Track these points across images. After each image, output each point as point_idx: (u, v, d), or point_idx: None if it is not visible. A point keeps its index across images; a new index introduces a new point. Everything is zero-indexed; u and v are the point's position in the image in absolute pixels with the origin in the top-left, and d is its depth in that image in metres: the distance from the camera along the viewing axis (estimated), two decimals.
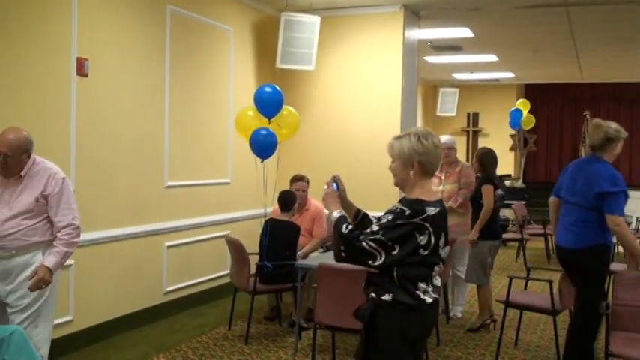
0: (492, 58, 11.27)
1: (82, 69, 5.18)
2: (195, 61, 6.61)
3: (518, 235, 9.74)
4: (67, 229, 3.91)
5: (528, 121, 13.42)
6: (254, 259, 5.84)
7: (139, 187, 5.86)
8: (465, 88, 14.76)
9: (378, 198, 7.46)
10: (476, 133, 15.46)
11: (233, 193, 7.24)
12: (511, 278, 5.38)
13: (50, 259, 3.79)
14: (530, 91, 15.23)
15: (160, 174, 6.15)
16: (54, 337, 4.87)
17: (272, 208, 6.45)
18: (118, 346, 5.36)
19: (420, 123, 12.98)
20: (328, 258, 5.24)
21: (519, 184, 14.09)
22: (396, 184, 2.99)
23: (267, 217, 6.07)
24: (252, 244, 5.99)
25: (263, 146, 6.06)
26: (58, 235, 3.89)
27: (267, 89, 6.13)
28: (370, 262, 2.78)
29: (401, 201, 2.89)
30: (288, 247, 5.81)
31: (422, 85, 13.85)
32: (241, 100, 7.08)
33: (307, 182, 6.45)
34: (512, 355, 5.39)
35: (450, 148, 6.41)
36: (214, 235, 6.89)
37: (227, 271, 6.89)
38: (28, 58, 4.72)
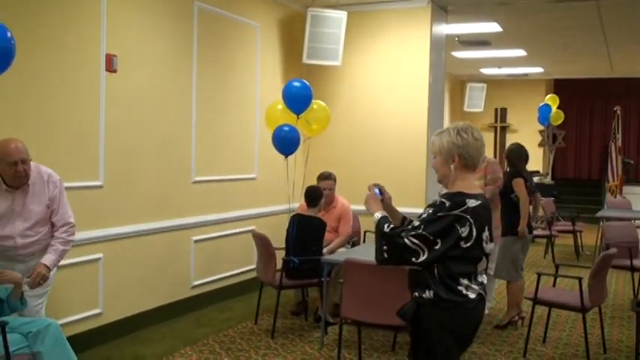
0: (521, 52, 11.15)
1: (110, 65, 5.23)
2: (222, 56, 6.64)
3: (546, 232, 9.65)
4: (65, 227, 4.02)
5: (557, 116, 13.25)
6: (280, 254, 5.86)
7: (166, 182, 5.91)
8: (492, 83, 14.63)
9: (406, 193, 7.46)
10: (504, 129, 15.33)
11: (259, 188, 7.27)
12: (539, 275, 5.33)
13: (48, 258, 3.90)
14: (560, 86, 15.04)
15: (187, 169, 6.19)
16: (84, 329, 4.98)
17: (298, 204, 6.46)
18: (146, 339, 5.42)
19: (447, 119, 12.90)
20: (354, 254, 5.24)
21: (548, 180, 13.95)
22: (439, 180, 3.01)
23: (294, 213, 6.08)
24: (278, 239, 6.01)
25: (286, 142, 6.07)
26: (56, 233, 4.00)
27: (296, 84, 6.14)
28: (414, 259, 2.77)
29: (442, 195, 2.90)
30: (315, 242, 5.81)
31: (449, 80, 13.75)
32: (268, 95, 7.10)
33: (334, 180, 6.44)
34: (540, 353, 5.33)
35: None
36: (241, 230, 6.92)
37: (253, 266, 6.92)
38: (59, 55, 4.78)
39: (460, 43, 10.10)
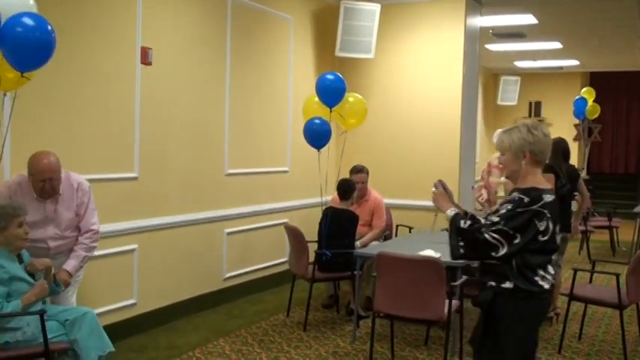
0: (556, 45, 10.97)
1: (146, 58, 5.28)
2: (255, 49, 6.66)
3: (582, 228, 9.49)
4: (89, 233, 4.10)
5: (593, 110, 12.98)
6: (313, 247, 5.86)
7: (199, 175, 5.95)
8: (526, 76, 14.42)
9: None
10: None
11: (292, 181, 7.28)
12: (575, 271, 5.25)
13: (70, 264, 4.00)
14: (596, 80, 14.78)
15: (220, 162, 6.22)
16: (119, 319, 5.05)
17: (331, 197, 6.45)
18: (179, 330, 5.47)
19: (480, 112, 12.77)
20: (387, 247, 5.22)
21: (583, 175, 13.71)
22: (508, 176, 3.09)
23: (327, 206, 6.08)
24: (310, 232, 6.01)
25: (316, 135, 6.05)
26: (80, 239, 4.08)
27: (330, 77, 6.11)
28: (493, 253, 2.86)
29: (515, 191, 2.97)
30: (347, 235, 5.80)
31: (482, 73, 13.59)
32: (301, 88, 7.11)
33: (367, 173, 6.41)
34: (575, 349, 5.26)
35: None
36: (273, 222, 6.94)
37: (285, 259, 6.95)
38: (95, 48, 4.84)
39: (494, 35, 9.97)
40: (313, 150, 6.24)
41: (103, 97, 4.93)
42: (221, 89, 6.20)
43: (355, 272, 5.49)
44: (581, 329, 5.56)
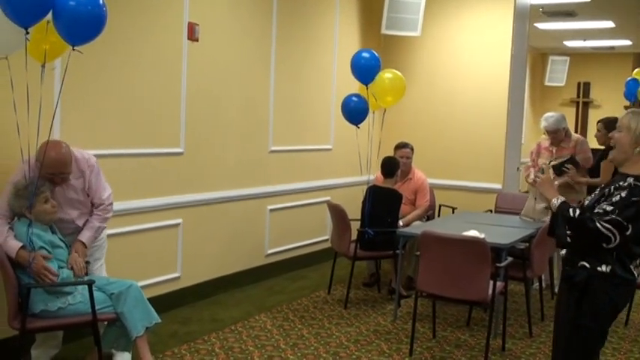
0: (608, 24, 10.65)
1: (192, 34, 5.29)
2: (300, 26, 6.63)
3: None
4: (102, 206, 4.06)
5: None
6: (355, 226, 5.85)
7: (244, 151, 5.98)
8: (576, 56, 14.07)
9: (483, 168, 7.32)
10: (586, 105, 14.76)
11: (335, 159, 7.26)
12: None
13: (85, 235, 3.97)
14: None
15: (264, 138, 6.24)
16: (163, 292, 5.13)
17: (375, 176, 6.42)
18: (222, 303, 5.54)
19: (526, 92, 12.53)
20: (431, 227, 5.18)
21: None
22: (614, 158, 2.99)
23: (370, 184, 6.05)
24: (353, 210, 5.99)
25: (353, 112, 5.96)
26: (95, 211, 4.05)
27: (365, 54, 5.97)
28: (604, 244, 2.79)
29: (627, 177, 2.87)
30: (390, 214, 5.77)
31: (529, 53, 13.30)
32: (346, 66, 7.01)
33: (412, 149, 6.36)
34: (622, 335, 5.16)
35: (555, 132, 6.08)
36: (316, 200, 6.95)
37: (326, 237, 6.96)
38: (143, 24, 4.87)
39: (544, 13, 9.73)
40: (356, 128, 6.19)
41: (150, 73, 4.97)
42: (266, 66, 6.20)
43: (397, 251, 5.47)
44: (627, 315, 5.44)
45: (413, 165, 6.43)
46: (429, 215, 6.54)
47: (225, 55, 5.69)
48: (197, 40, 5.34)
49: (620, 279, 2.85)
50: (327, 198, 6.85)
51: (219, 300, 5.62)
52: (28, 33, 3.16)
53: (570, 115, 14.28)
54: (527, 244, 5.07)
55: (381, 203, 5.76)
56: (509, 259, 4.67)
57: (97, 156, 4.24)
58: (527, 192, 7.33)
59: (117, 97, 4.70)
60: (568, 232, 2.85)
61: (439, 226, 5.21)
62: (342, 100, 6.08)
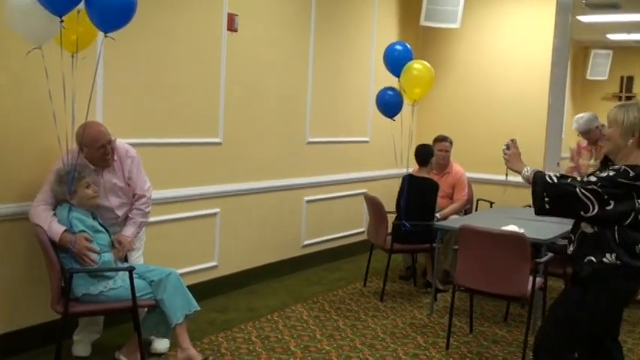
0: None
1: (232, 24, 5.31)
2: (339, 17, 6.61)
3: None
4: (143, 199, 4.10)
5: None
6: (391, 218, 5.83)
7: (281, 142, 6.00)
8: (619, 50, 13.74)
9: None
10: (629, 99, 14.43)
11: (372, 151, 7.24)
12: None
13: (129, 231, 4.02)
14: None
15: (301, 130, 6.25)
16: (200, 280, 5.18)
17: (412, 169, 6.38)
18: (259, 293, 5.57)
19: (567, 86, 12.31)
20: (469, 220, 5.13)
21: None
22: (608, 151, 3.05)
23: (407, 173, 5.97)
24: (389, 202, 5.97)
25: (388, 105, 5.89)
26: (136, 204, 4.09)
27: (398, 47, 5.88)
28: (582, 212, 2.84)
29: (624, 164, 2.92)
30: (427, 206, 5.72)
31: (571, 46, 13.06)
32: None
33: (450, 143, 6.31)
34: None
35: (587, 132, 5.99)
36: (352, 192, 6.94)
37: (362, 229, 6.96)
38: (184, 14, 4.90)
39: (587, 6, 9.52)
40: (391, 120, 6.15)
41: (190, 63, 5.01)
42: (304, 57, 6.20)
43: (434, 245, 5.43)
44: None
45: (451, 158, 6.38)
46: (466, 209, 6.48)
47: (264, 46, 5.70)
48: (236, 31, 5.36)
49: (627, 269, 2.86)
50: (364, 190, 6.83)
51: (255, 289, 5.66)
52: (62, 21, 3.19)
53: None
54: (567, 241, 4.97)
55: (418, 194, 5.70)
56: (549, 254, 4.60)
57: (137, 145, 4.31)
58: None
59: (157, 87, 4.75)
60: (546, 199, 2.87)
61: (477, 221, 5.15)
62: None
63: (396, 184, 6.07)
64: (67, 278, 3.59)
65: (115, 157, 4.01)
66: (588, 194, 2.82)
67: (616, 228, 2.86)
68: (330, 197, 6.71)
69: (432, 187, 5.74)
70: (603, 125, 6.04)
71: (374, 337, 4.69)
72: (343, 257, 6.89)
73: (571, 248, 3.07)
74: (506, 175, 3.27)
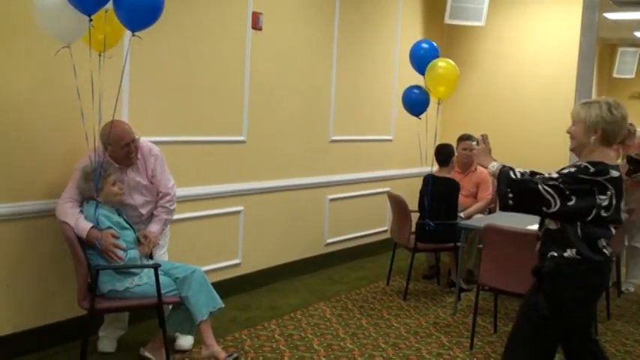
0: None
1: (256, 23, 5.33)
2: (363, 16, 6.59)
3: None
4: (168, 197, 4.13)
5: None
6: (415, 217, 5.80)
7: (305, 140, 6.00)
8: None
9: (548, 161, 7.11)
10: None
11: (396, 150, 7.22)
12: None
13: (154, 228, 4.05)
14: None
15: (325, 128, 6.25)
16: (224, 277, 5.21)
17: (436, 168, 6.34)
18: (281, 291, 5.59)
19: (594, 84, 12.16)
20: (493, 220, 5.09)
21: None
22: (572, 148, 3.06)
23: (427, 173, 5.93)
24: (413, 201, 5.94)
25: (415, 103, 5.84)
26: (160, 202, 4.12)
27: (424, 45, 5.83)
28: (544, 208, 2.86)
29: (586, 161, 2.94)
30: (448, 204, 5.68)
31: (597, 44, 12.90)
32: (407, 56, 6.97)
33: (475, 141, 6.25)
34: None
35: None
36: (375, 190, 6.93)
37: (385, 228, 6.94)
38: (209, 12, 4.92)
39: (614, 3, 9.39)
40: (417, 119, 6.11)
41: (215, 62, 5.03)
42: (328, 55, 6.19)
43: (458, 244, 5.40)
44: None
45: None
46: (490, 208, 6.43)
47: (288, 45, 5.71)
48: (261, 29, 5.37)
49: (589, 264, 2.88)
50: (387, 189, 6.81)
51: (278, 288, 5.67)
52: (91, 20, 3.23)
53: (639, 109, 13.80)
54: None
55: (439, 193, 5.67)
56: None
57: (162, 143, 4.34)
58: None
59: (182, 85, 4.78)
60: (510, 195, 2.91)
61: (502, 220, 5.09)
62: (403, 91, 6.01)
63: (419, 183, 6.04)
64: (93, 275, 3.63)
65: (139, 156, 4.04)
66: (550, 190, 2.84)
67: (579, 224, 2.88)
68: (353, 196, 6.70)
69: (453, 187, 5.70)
70: (631, 124, 5.97)
71: (397, 336, 4.67)
72: (366, 256, 6.88)
73: (538, 246, 3.10)
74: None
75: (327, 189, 6.35)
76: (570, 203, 2.83)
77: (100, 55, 3.43)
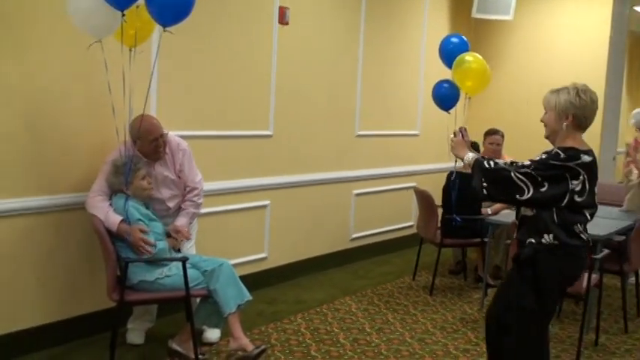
0: None
1: (283, 18, 5.33)
2: (389, 10, 6.56)
3: None
4: (195, 191, 4.15)
5: None
6: (441, 212, 5.77)
7: (331, 135, 6.00)
8: None
9: None
10: None
11: (422, 144, 7.19)
12: None
13: (182, 221, 4.07)
14: None
15: (351, 123, 6.24)
16: (250, 271, 5.23)
17: (460, 164, 6.30)
18: (306, 286, 5.60)
19: (624, 78, 11.98)
20: None
21: None
22: (547, 136, 3.10)
23: (452, 170, 5.89)
24: (439, 196, 5.91)
25: (445, 98, 5.78)
26: (188, 196, 4.14)
27: (454, 39, 5.75)
28: (517, 195, 2.89)
29: (557, 147, 2.99)
30: (474, 200, 5.64)
31: (627, 37, 12.71)
32: (434, 51, 6.90)
33: (502, 136, 6.20)
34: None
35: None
36: (401, 185, 6.91)
37: (411, 223, 6.92)
38: (235, 7, 4.93)
39: None
40: (444, 114, 6.07)
41: (242, 57, 5.04)
42: (354, 50, 6.18)
43: (485, 239, 5.36)
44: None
45: (503, 152, 6.27)
46: None
47: (315, 39, 5.70)
48: (287, 24, 5.37)
49: (566, 248, 2.91)
50: (413, 184, 6.79)
51: (303, 282, 5.68)
52: (124, 15, 3.26)
53: None
54: (624, 237, 4.86)
55: (465, 189, 5.61)
56: (605, 251, 4.49)
57: (190, 137, 4.36)
58: (621, 182, 7.03)
59: (210, 80, 4.80)
60: (484, 184, 2.93)
61: None
62: (429, 85, 5.96)
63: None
64: (122, 267, 3.67)
65: (167, 150, 4.06)
66: (522, 177, 2.87)
67: (554, 210, 2.90)
68: (379, 190, 6.69)
69: None
70: None
71: (424, 331, 4.66)
72: (391, 251, 6.86)
73: (516, 233, 3.12)
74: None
75: (353, 184, 6.34)
76: (543, 189, 2.86)
77: (130, 50, 3.46)
